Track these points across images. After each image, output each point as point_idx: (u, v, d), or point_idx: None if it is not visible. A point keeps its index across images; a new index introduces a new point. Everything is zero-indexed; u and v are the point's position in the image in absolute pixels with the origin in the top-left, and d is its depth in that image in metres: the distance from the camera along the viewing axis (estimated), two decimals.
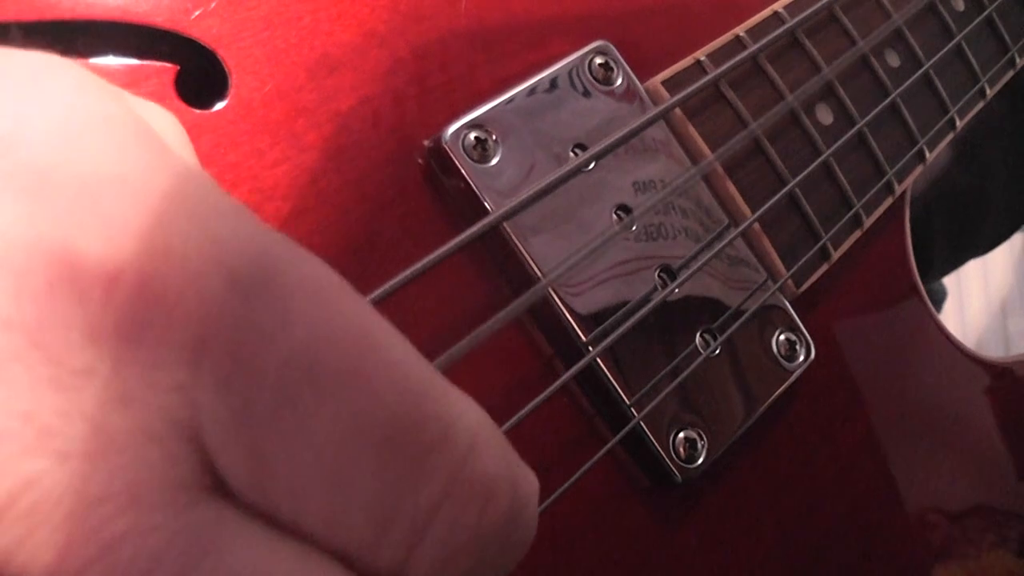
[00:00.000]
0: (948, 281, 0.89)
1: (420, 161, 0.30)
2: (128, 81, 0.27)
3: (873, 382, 0.39)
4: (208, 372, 0.15)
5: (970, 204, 0.68)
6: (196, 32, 0.28)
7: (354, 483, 0.15)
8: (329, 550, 0.16)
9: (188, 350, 0.15)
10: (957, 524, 0.40)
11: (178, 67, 0.28)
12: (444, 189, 0.30)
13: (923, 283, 0.79)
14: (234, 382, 0.15)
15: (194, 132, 0.28)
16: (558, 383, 0.28)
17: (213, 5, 0.29)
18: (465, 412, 0.17)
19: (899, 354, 0.40)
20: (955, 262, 0.76)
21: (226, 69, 0.28)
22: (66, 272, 0.15)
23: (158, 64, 0.28)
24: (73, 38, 0.27)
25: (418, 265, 0.26)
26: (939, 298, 0.93)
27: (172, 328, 0.15)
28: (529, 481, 0.18)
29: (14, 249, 0.15)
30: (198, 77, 0.28)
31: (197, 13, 0.29)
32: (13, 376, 0.15)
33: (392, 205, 0.29)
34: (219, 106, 0.28)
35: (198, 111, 0.28)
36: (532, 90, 0.31)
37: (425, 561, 0.16)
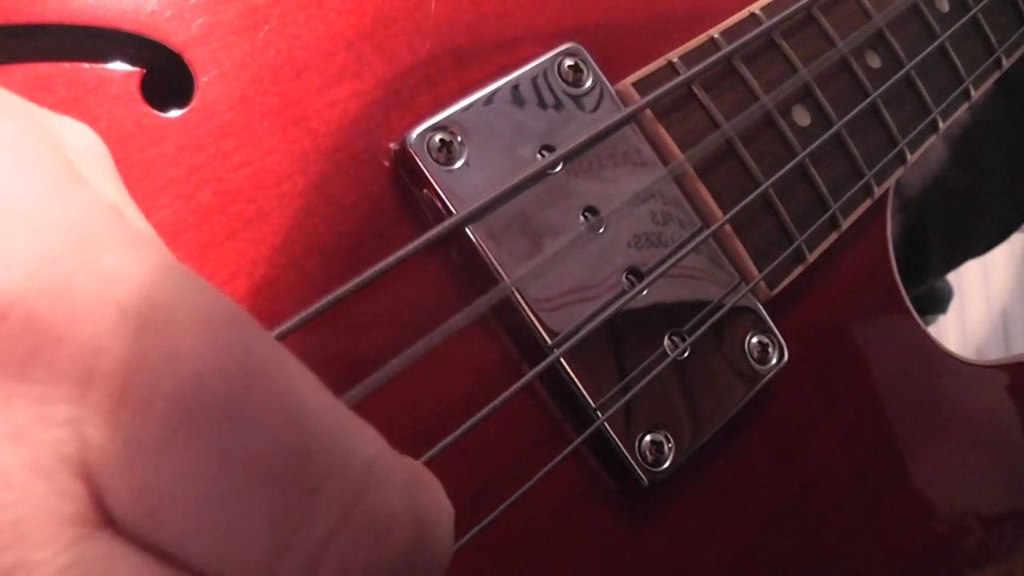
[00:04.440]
0: (949, 280, 0.88)
1: (386, 164, 0.30)
2: (95, 85, 0.28)
3: (852, 384, 0.38)
4: (95, 407, 0.15)
5: (967, 204, 0.68)
6: (162, 35, 0.29)
7: (243, 518, 0.15)
8: None
9: (76, 384, 0.15)
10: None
11: (144, 70, 0.28)
12: (410, 192, 0.30)
13: (923, 283, 0.78)
14: (120, 417, 0.15)
15: (159, 135, 0.28)
16: (519, 383, 0.29)
17: (180, 8, 0.29)
18: (362, 445, 0.17)
19: (879, 356, 0.40)
20: (952, 262, 0.76)
21: (192, 72, 0.29)
22: None
23: (124, 68, 0.28)
24: (39, 42, 0.27)
25: (375, 268, 0.26)
26: (945, 296, 0.92)
27: (59, 363, 0.15)
28: (439, 512, 0.17)
29: None
30: (164, 80, 0.28)
31: (165, 16, 0.29)
32: None
33: (357, 208, 0.30)
34: (185, 109, 0.28)
35: (163, 114, 0.28)
36: (499, 92, 0.31)
37: None
